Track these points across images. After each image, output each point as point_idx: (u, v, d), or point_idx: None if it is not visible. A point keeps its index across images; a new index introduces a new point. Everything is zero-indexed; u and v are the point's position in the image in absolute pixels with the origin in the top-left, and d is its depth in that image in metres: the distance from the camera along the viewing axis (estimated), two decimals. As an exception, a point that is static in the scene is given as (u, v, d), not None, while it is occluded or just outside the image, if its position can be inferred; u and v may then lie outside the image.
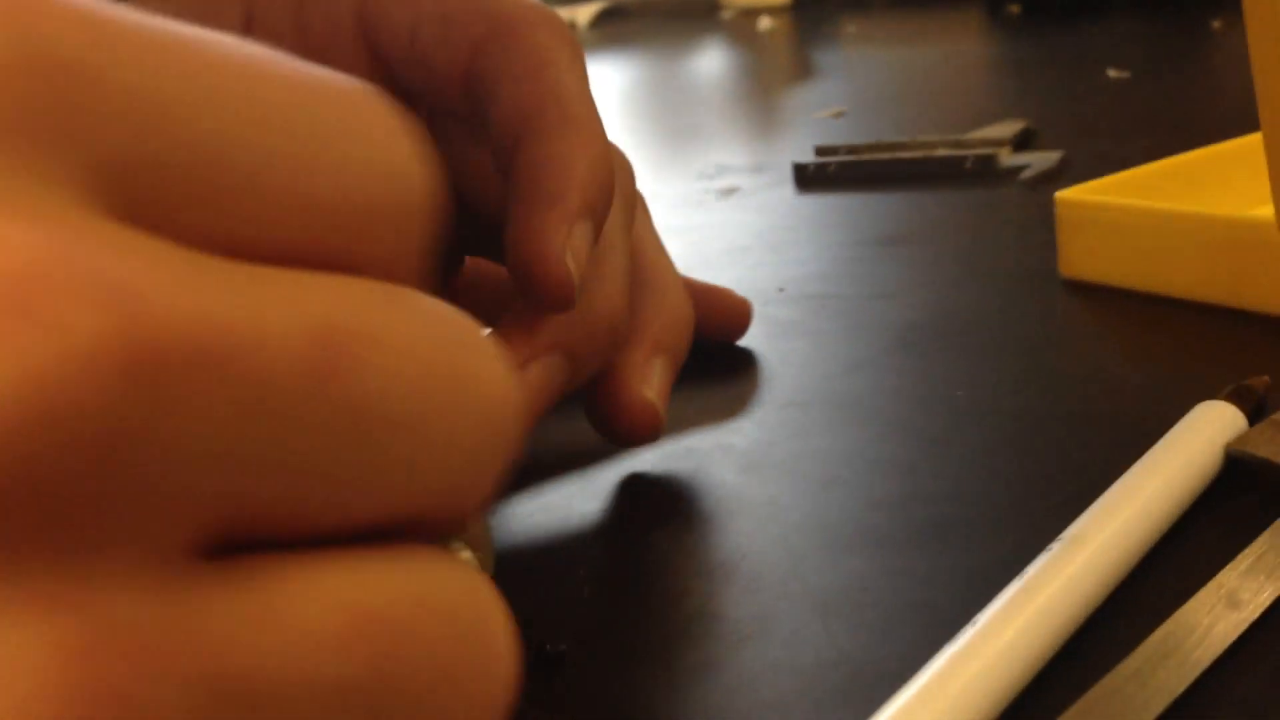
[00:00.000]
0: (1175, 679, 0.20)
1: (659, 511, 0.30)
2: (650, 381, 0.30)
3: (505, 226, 0.27)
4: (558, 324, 0.27)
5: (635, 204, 0.33)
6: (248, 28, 0.30)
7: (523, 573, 0.27)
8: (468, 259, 0.35)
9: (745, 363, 0.38)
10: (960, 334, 0.39)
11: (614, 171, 0.28)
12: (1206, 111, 0.73)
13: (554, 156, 0.27)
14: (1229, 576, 0.23)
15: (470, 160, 0.31)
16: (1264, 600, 0.22)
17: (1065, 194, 0.42)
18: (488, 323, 0.26)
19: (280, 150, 0.11)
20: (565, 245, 0.26)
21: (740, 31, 1.45)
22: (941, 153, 0.62)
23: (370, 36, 0.30)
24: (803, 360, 0.38)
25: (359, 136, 0.12)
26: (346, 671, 0.11)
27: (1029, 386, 0.34)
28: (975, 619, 0.21)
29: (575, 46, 0.29)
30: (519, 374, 0.26)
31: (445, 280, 0.36)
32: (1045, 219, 0.46)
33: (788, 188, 0.62)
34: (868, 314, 0.42)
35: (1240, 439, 0.27)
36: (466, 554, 0.21)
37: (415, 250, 0.13)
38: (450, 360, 0.12)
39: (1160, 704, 0.20)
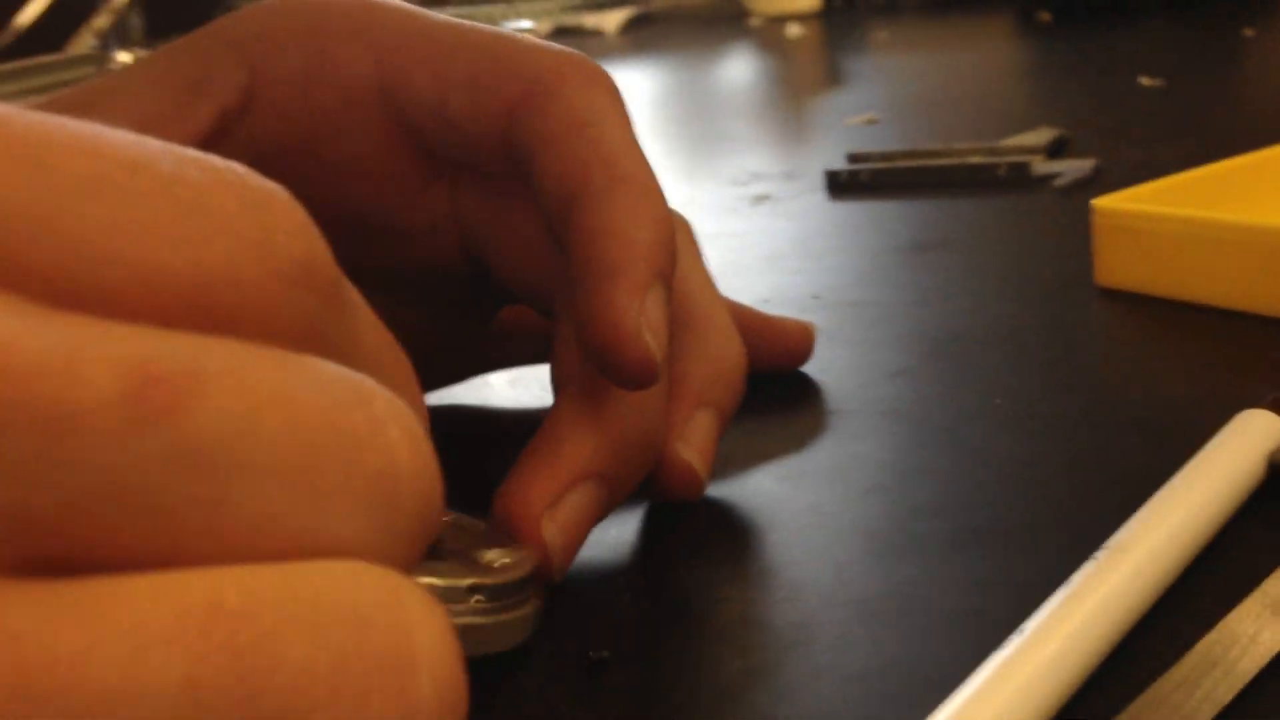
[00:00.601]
0: (1222, 688, 0.21)
1: (699, 519, 0.30)
2: (690, 440, 0.28)
3: (573, 301, 0.26)
4: (586, 449, 0.26)
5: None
6: (247, 105, 0.29)
7: (564, 579, 0.28)
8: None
9: (795, 376, 0.38)
10: (998, 342, 0.39)
11: (674, 223, 0.27)
12: (1241, 119, 0.73)
13: (610, 224, 0.26)
14: (1274, 585, 0.23)
15: (507, 223, 0.30)
16: (1310, 610, 0.22)
17: (1102, 202, 0.42)
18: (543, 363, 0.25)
19: (108, 220, 0.11)
20: (640, 320, 0.25)
21: (769, 38, 1.45)
22: (975, 160, 0.62)
23: (396, 108, 0.29)
24: (841, 368, 0.38)
25: (204, 211, 0.12)
26: (196, 672, 0.11)
27: (1068, 395, 0.34)
28: (1022, 627, 0.21)
29: (615, 95, 0.28)
30: (549, 511, 0.25)
31: (481, 325, 0.35)
32: (1080, 227, 0.46)
33: (820, 194, 0.62)
34: (904, 321, 0.42)
35: (1283, 448, 0.27)
36: (431, 580, 0.21)
37: (295, 315, 0.13)
38: (327, 417, 0.12)
39: (1208, 713, 0.20)
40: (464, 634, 0.22)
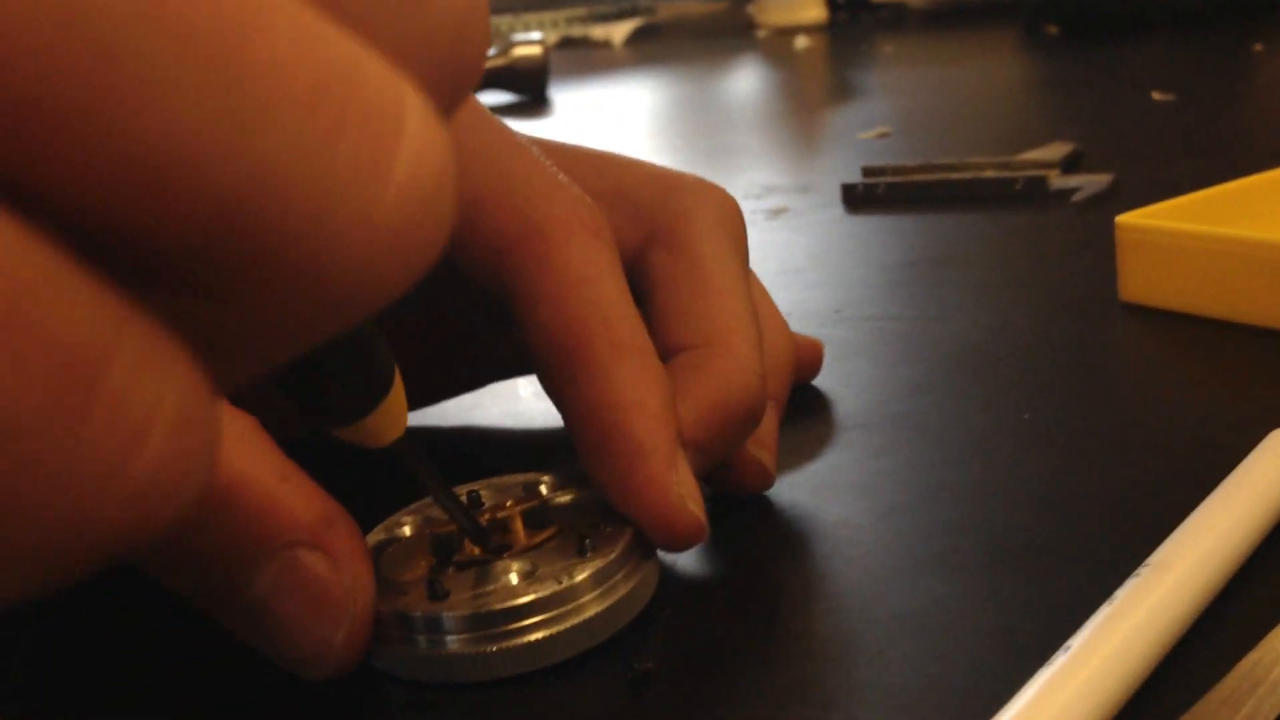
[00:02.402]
0: (1267, 706, 0.21)
1: (734, 533, 0.30)
2: (757, 436, 0.30)
3: (588, 468, 0.26)
4: (690, 419, 0.27)
5: (746, 249, 0.32)
6: None
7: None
8: None
9: (808, 385, 0.39)
10: (1022, 357, 0.39)
11: (725, 383, 0.28)
12: (1255, 135, 0.73)
13: (622, 396, 0.26)
14: (1314, 604, 0.23)
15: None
16: (1351, 628, 0.23)
17: (1126, 218, 0.42)
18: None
19: None
20: (681, 493, 0.26)
21: (776, 50, 1.46)
22: (990, 174, 0.62)
23: None
24: (864, 382, 0.39)
25: None
26: None
27: (1097, 411, 0.35)
28: (1068, 643, 0.21)
29: (613, 250, 0.28)
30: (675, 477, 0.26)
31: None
32: (1099, 242, 0.47)
33: (837, 208, 0.63)
34: (927, 336, 0.42)
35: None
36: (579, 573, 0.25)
37: None
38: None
39: (1255, 730, 0.20)
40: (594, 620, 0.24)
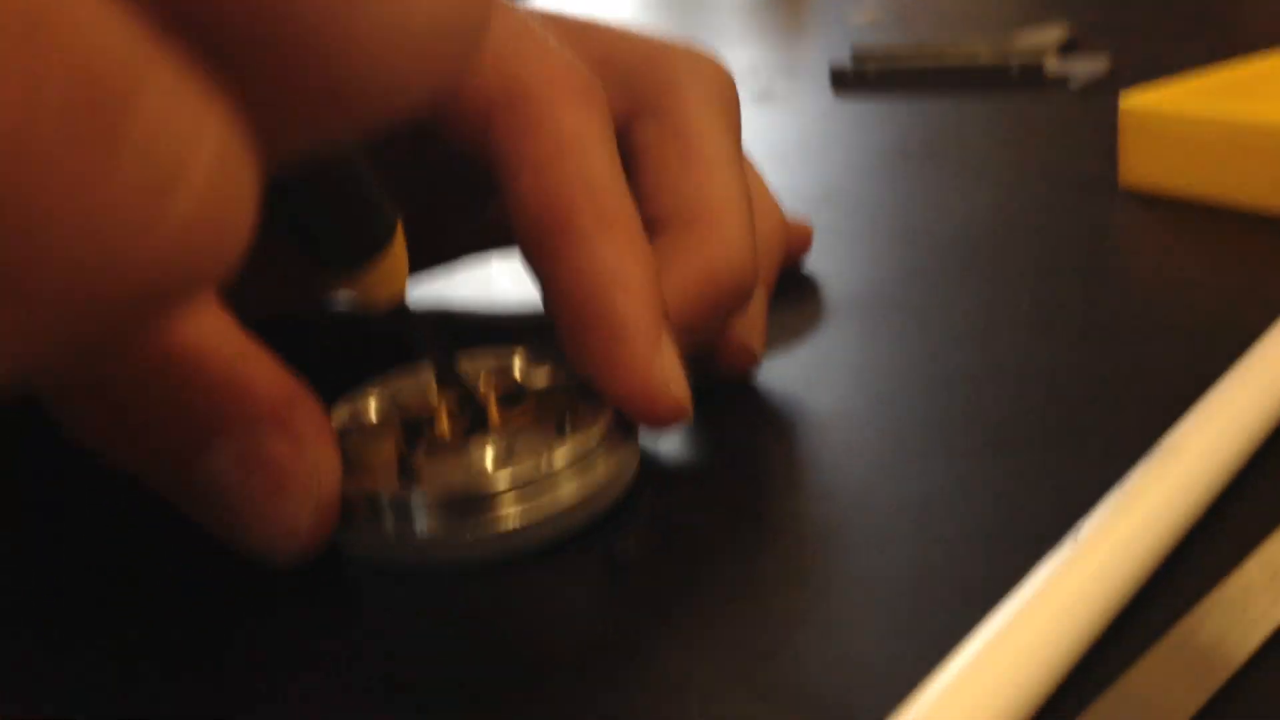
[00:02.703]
0: (1286, 596, 0.20)
1: (718, 417, 0.29)
2: (743, 318, 0.28)
3: (567, 347, 0.25)
4: (675, 300, 0.26)
5: (739, 122, 0.30)
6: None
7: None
8: None
9: (795, 268, 0.37)
10: (1020, 243, 0.38)
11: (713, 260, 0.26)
12: (1255, 15, 0.71)
13: (601, 273, 0.24)
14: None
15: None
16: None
17: (1130, 102, 0.41)
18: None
19: None
20: (663, 376, 0.24)
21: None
22: (986, 58, 0.60)
23: None
24: (856, 267, 0.37)
25: None
26: None
27: (1099, 297, 0.33)
28: (1077, 531, 0.20)
29: (605, 118, 0.26)
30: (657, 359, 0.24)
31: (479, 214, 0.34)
32: (1098, 126, 0.45)
33: (825, 93, 0.61)
34: (921, 221, 0.41)
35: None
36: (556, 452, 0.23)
37: None
38: None
39: (1276, 617, 0.19)
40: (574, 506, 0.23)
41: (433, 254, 0.36)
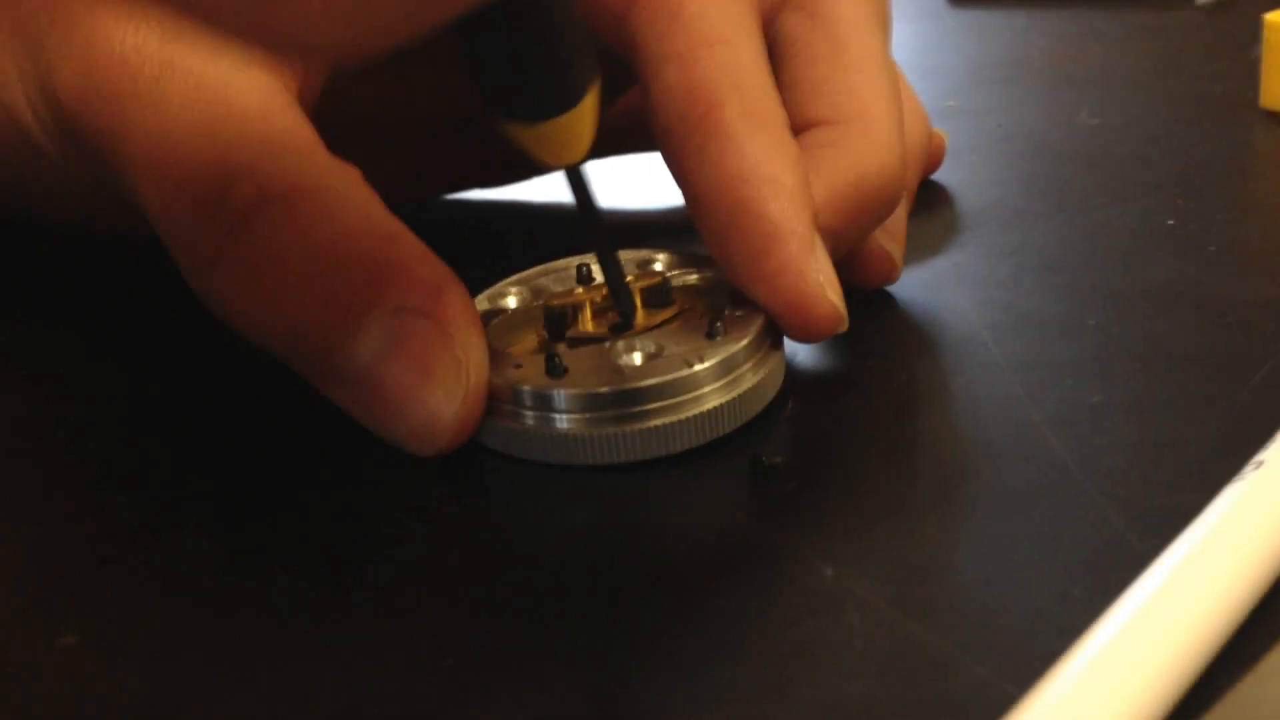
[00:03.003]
0: None
1: (858, 328, 0.28)
2: (886, 226, 0.27)
3: (714, 250, 0.24)
4: (824, 205, 0.25)
5: (889, 18, 0.29)
6: None
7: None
8: None
9: (927, 179, 0.36)
10: (1158, 161, 0.36)
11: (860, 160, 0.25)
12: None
13: (751, 172, 0.23)
14: None
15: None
16: None
17: (1276, 16, 0.39)
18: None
19: None
20: (815, 280, 0.23)
21: None
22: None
23: None
24: (985, 180, 0.36)
25: None
26: None
27: (1246, 218, 0.32)
28: (1259, 457, 0.19)
29: (752, 7, 0.25)
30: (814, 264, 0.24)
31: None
32: (1231, 45, 0.43)
33: (939, 1, 0.59)
34: (1048, 135, 0.39)
35: None
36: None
37: None
38: None
39: None
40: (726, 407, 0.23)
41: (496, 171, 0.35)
